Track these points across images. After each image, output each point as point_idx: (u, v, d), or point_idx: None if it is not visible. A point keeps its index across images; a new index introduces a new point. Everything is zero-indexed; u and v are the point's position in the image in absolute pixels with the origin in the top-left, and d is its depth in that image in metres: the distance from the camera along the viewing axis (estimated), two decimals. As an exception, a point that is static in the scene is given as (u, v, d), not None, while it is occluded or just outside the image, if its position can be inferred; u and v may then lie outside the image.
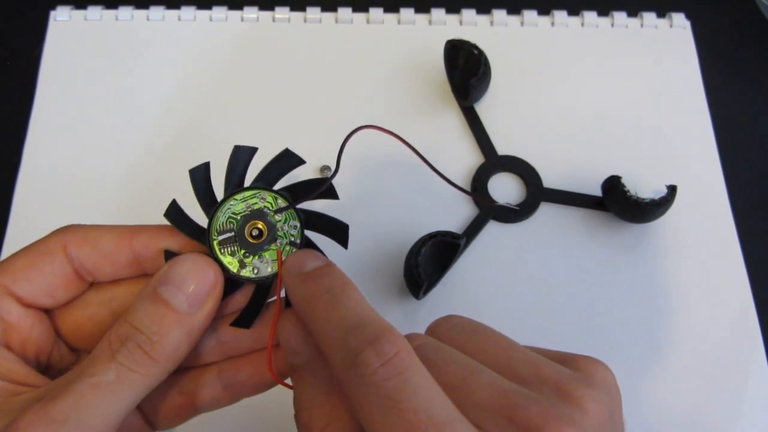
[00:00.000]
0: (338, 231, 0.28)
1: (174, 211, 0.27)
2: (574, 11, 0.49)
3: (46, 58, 0.46)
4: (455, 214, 0.42)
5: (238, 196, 0.27)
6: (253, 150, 0.28)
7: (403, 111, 0.45)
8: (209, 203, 0.27)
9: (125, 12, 0.48)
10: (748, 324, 0.40)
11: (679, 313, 0.40)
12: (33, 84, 0.45)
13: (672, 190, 0.40)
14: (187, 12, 0.48)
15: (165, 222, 0.27)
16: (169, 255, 0.26)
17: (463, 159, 0.44)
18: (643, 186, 0.42)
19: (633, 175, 0.42)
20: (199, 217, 0.27)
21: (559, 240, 0.42)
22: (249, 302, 0.27)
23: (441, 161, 0.44)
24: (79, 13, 0.48)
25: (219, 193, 0.28)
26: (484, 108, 0.45)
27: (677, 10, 0.49)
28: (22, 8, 0.50)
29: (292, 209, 0.27)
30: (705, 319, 0.40)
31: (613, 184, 0.40)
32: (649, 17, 0.49)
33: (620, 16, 0.49)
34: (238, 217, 0.27)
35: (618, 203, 0.40)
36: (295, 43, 0.48)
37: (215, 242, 0.26)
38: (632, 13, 0.49)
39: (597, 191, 0.42)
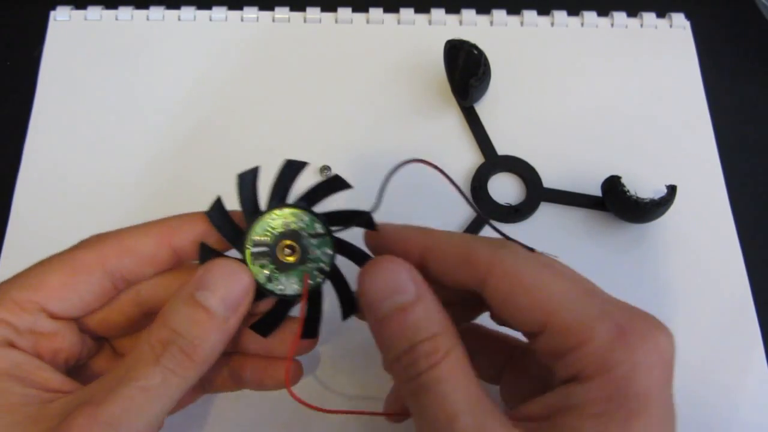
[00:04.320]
0: (364, 261, 0.28)
1: (217, 212, 0.27)
2: (573, 11, 0.49)
3: (46, 58, 0.46)
4: (455, 214, 0.42)
5: (280, 212, 0.27)
6: (303, 165, 0.28)
7: (403, 111, 0.45)
8: (252, 211, 0.28)
9: (125, 12, 0.48)
10: (747, 324, 0.39)
11: (678, 312, 0.40)
12: (33, 84, 0.45)
13: (672, 190, 0.40)
14: (187, 12, 0.48)
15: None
16: (204, 249, 0.27)
17: (463, 159, 0.44)
18: (643, 186, 0.42)
19: (633, 175, 0.42)
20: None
21: (559, 240, 0.42)
22: (270, 313, 0.28)
23: (441, 161, 0.44)
24: (79, 13, 0.48)
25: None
26: (484, 108, 0.45)
27: (677, 10, 0.49)
28: (22, 8, 0.50)
29: (329, 236, 0.27)
30: (705, 318, 0.40)
31: (613, 184, 0.40)
32: (649, 17, 0.49)
33: (620, 16, 0.49)
34: (275, 233, 0.27)
35: (618, 203, 0.40)
36: (295, 43, 0.48)
37: (248, 251, 0.27)
38: (632, 13, 0.49)
39: (597, 191, 0.42)
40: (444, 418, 0.23)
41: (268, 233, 0.27)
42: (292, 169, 0.28)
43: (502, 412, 0.23)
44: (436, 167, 0.30)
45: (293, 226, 0.27)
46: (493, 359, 0.30)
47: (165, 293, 0.28)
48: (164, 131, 0.44)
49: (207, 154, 0.44)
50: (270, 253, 0.27)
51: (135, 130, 0.44)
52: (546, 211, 0.42)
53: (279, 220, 0.27)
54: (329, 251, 0.27)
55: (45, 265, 0.27)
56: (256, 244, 0.27)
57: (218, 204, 0.27)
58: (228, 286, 0.26)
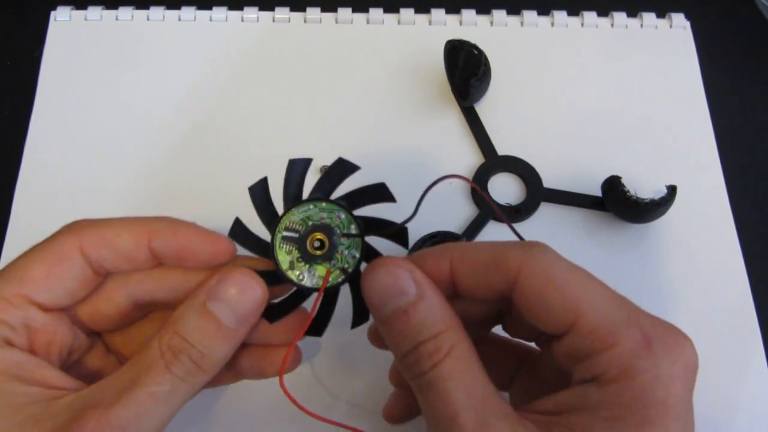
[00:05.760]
0: None
1: (260, 190, 0.28)
2: (573, 11, 0.49)
3: (46, 58, 0.46)
4: (455, 214, 0.42)
5: (320, 205, 0.28)
6: (355, 168, 0.29)
7: (403, 111, 0.45)
8: (293, 198, 0.28)
9: (125, 12, 0.48)
10: (747, 324, 0.39)
11: (678, 313, 0.40)
12: (33, 84, 0.45)
13: (672, 190, 0.40)
14: (187, 12, 0.48)
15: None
16: (237, 226, 0.27)
17: (463, 159, 0.44)
18: (643, 186, 0.42)
19: (633, 175, 0.42)
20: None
21: (559, 240, 0.41)
22: (282, 300, 0.28)
23: (441, 161, 0.44)
24: (79, 13, 0.48)
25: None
26: (484, 108, 0.45)
27: (677, 10, 0.49)
28: (22, 8, 0.50)
29: (359, 240, 0.28)
30: (704, 319, 0.40)
31: (613, 184, 0.40)
32: (649, 17, 0.49)
33: (620, 17, 0.49)
34: (309, 223, 0.27)
35: (618, 203, 0.40)
36: (295, 43, 0.48)
37: (279, 235, 0.27)
38: (632, 13, 0.49)
39: (597, 191, 0.42)
40: (447, 416, 0.23)
41: (303, 222, 0.27)
42: (342, 169, 0.28)
43: (509, 407, 0.24)
44: (470, 182, 0.30)
45: (328, 221, 0.27)
46: (504, 367, 0.30)
47: (156, 285, 0.28)
48: (164, 131, 0.44)
49: (207, 154, 0.44)
50: (299, 241, 0.27)
51: (135, 130, 0.44)
52: (546, 211, 0.42)
53: (316, 212, 0.27)
54: (357, 254, 0.28)
55: (27, 256, 0.27)
56: (288, 229, 0.27)
57: (263, 183, 0.28)
58: (241, 299, 0.26)
